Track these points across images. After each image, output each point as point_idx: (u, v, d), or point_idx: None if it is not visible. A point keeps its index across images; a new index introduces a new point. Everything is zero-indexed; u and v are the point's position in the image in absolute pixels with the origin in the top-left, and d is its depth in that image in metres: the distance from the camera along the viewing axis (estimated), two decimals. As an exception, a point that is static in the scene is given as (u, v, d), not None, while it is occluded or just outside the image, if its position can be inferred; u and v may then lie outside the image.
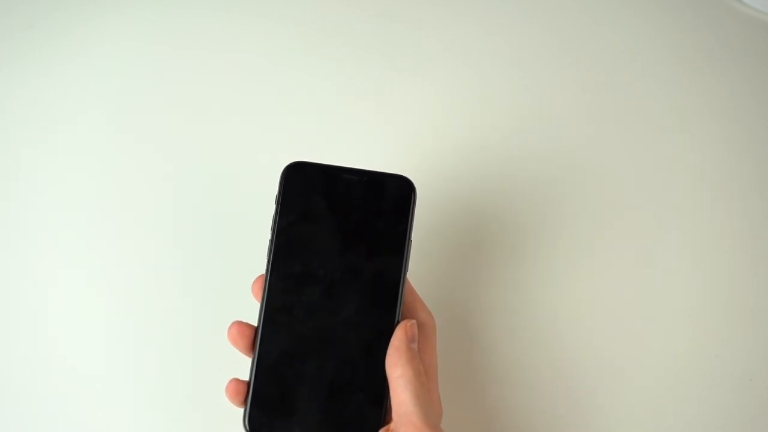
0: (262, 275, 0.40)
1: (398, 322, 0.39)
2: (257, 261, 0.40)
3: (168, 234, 0.51)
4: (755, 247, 0.52)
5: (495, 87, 0.55)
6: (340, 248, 0.39)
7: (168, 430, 0.47)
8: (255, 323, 0.39)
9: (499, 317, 0.50)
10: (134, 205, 0.52)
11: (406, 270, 0.39)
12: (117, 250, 0.51)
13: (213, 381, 0.43)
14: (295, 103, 0.55)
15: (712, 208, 0.53)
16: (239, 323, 0.39)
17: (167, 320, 0.49)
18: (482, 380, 0.48)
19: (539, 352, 0.49)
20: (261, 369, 0.38)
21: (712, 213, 0.53)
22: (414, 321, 0.39)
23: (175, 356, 0.48)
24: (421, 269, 0.50)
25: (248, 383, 0.38)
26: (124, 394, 0.47)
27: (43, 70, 0.55)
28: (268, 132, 0.54)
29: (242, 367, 0.40)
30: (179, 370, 0.48)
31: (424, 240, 0.50)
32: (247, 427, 0.38)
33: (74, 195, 0.52)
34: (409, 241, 0.40)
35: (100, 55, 0.56)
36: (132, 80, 0.55)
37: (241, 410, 0.38)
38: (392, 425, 0.37)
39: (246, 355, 0.39)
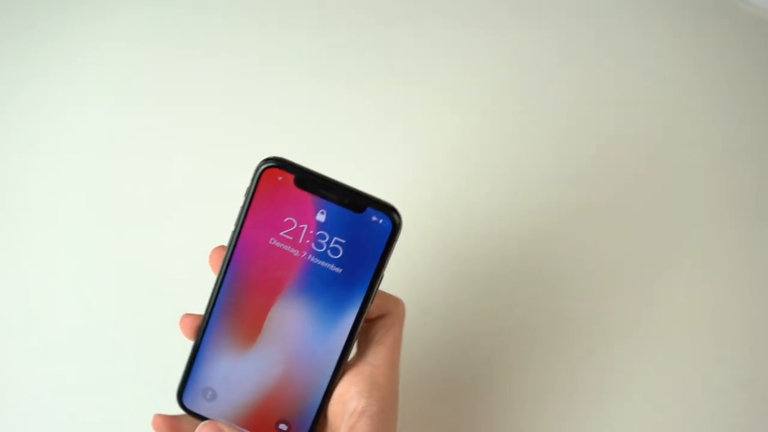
0: (221, 246, 0.38)
1: (350, 345, 0.37)
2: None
3: (167, 232, 0.51)
4: (754, 246, 0.52)
5: (501, 95, 0.55)
6: (305, 262, 0.36)
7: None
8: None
9: (498, 317, 0.50)
10: (133, 204, 0.52)
11: (370, 302, 0.36)
12: (116, 250, 0.51)
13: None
14: (294, 105, 0.55)
15: (713, 209, 0.53)
16: (189, 316, 0.38)
17: (166, 319, 0.49)
18: (481, 383, 0.48)
19: (539, 352, 0.49)
20: (201, 360, 0.38)
21: (712, 213, 0.53)
22: None
23: (175, 356, 0.48)
24: (414, 269, 0.50)
25: (189, 363, 0.38)
26: (122, 397, 0.48)
27: (44, 70, 0.55)
28: (265, 133, 0.54)
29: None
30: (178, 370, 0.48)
31: (418, 239, 0.50)
32: (181, 404, 0.38)
33: (73, 194, 0.52)
34: (381, 277, 0.36)
35: (100, 56, 0.56)
36: (132, 79, 0.55)
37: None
38: None
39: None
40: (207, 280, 0.50)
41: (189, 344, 0.39)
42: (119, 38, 0.56)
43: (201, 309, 0.50)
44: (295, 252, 0.36)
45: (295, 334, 0.37)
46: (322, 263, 0.36)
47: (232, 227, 0.36)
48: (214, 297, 0.37)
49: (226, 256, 0.37)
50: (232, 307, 0.37)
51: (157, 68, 0.55)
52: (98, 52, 0.56)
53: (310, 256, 0.36)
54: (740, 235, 0.52)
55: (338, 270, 0.36)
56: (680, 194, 0.53)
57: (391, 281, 0.46)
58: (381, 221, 0.35)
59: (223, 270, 0.37)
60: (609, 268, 0.51)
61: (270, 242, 0.36)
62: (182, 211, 0.52)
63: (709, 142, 0.54)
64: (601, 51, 0.56)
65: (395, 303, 0.39)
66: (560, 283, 0.51)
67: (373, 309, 0.38)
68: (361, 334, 0.39)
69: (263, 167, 0.35)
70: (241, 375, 0.38)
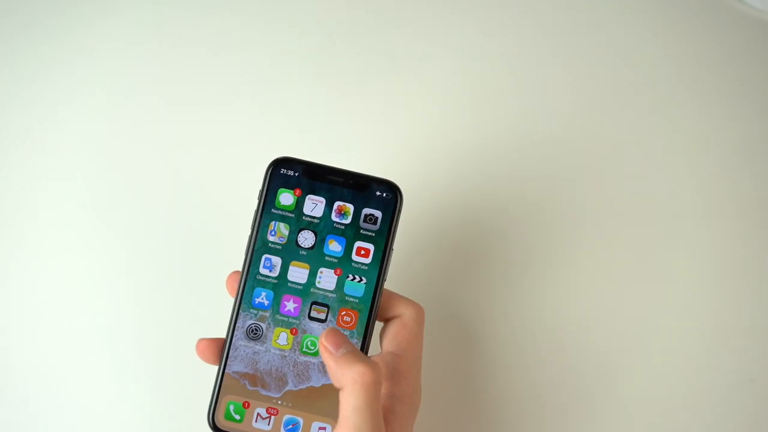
0: (236, 271, 0.39)
1: (371, 328, 0.39)
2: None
3: (166, 232, 0.51)
4: (754, 246, 0.52)
5: (495, 88, 0.55)
6: (319, 251, 0.39)
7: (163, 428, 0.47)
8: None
9: (500, 321, 0.49)
10: (131, 204, 0.52)
11: (384, 278, 0.39)
12: (115, 250, 0.51)
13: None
14: (294, 102, 0.55)
15: (714, 210, 0.53)
16: (206, 340, 0.39)
17: (165, 318, 0.49)
18: (481, 384, 0.48)
19: (538, 355, 0.49)
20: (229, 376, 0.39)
21: (712, 213, 0.53)
22: (332, 326, 0.38)
23: (174, 356, 0.48)
24: (421, 270, 0.50)
25: (218, 377, 0.38)
26: (122, 400, 0.48)
27: (44, 70, 0.55)
28: (266, 131, 0.54)
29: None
30: (178, 371, 0.48)
31: (422, 242, 0.50)
32: (212, 425, 0.39)
33: (73, 194, 0.52)
34: (391, 249, 0.39)
35: (100, 56, 0.56)
36: (132, 79, 0.55)
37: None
38: None
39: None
40: (203, 279, 0.50)
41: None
42: (119, 38, 0.56)
43: (195, 310, 0.50)
44: (311, 247, 0.39)
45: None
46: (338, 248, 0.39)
47: (248, 231, 0.38)
48: (235, 315, 0.38)
49: (246, 254, 0.39)
50: None
51: (157, 68, 0.55)
52: (98, 52, 0.56)
53: (324, 246, 0.39)
54: (741, 235, 0.52)
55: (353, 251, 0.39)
56: (680, 195, 0.53)
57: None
58: (385, 194, 0.39)
59: (246, 268, 0.39)
60: (608, 269, 0.51)
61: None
62: (182, 211, 0.52)
63: (708, 142, 0.54)
64: (599, 51, 0.56)
65: (411, 305, 0.40)
66: (559, 285, 0.50)
67: (387, 309, 0.40)
68: (383, 332, 0.41)
69: (271, 167, 0.39)
70: None
